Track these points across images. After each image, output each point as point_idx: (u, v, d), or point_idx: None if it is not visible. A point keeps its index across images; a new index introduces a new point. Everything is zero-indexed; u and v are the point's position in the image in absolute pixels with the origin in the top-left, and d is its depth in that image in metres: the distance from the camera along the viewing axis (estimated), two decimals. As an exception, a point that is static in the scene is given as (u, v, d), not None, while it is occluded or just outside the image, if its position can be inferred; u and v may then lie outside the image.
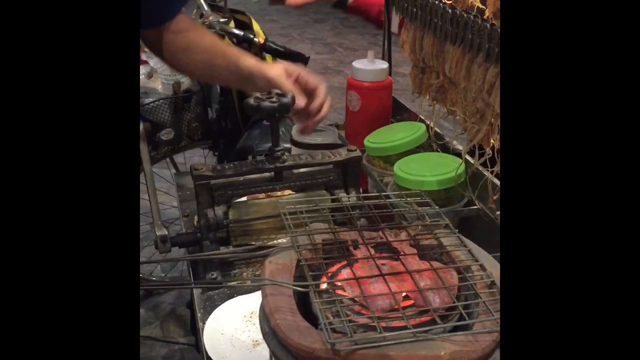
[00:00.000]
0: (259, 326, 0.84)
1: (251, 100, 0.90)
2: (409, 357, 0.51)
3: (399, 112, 1.26)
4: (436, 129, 1.06)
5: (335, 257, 0.64)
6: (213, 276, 0.92)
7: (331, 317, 0.56)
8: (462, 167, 0.93)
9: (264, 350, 0.80)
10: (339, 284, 0.60)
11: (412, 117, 1.21)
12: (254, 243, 0.97)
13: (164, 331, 2.08)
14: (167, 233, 0.95)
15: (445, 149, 1.04)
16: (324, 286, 0.60)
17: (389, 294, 0.57)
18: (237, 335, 0.83)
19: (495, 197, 0.87)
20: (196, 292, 0.92)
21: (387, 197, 0.72)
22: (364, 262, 0.62)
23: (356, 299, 0.58)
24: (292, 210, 0.70)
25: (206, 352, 0.79)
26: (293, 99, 0.91)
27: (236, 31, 1.64)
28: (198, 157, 2.55)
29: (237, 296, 0.90)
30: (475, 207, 0.93)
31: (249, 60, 0.97)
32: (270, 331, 0.58)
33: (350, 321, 0.54)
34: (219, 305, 0.89)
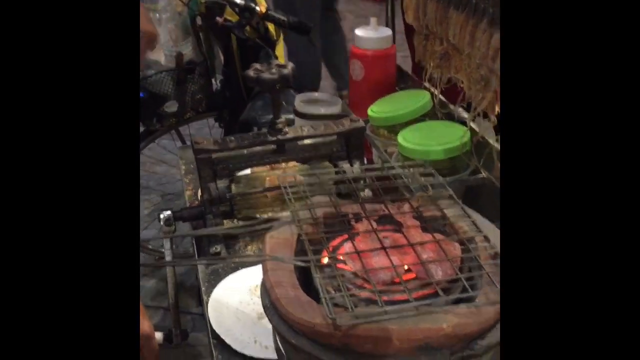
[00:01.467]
0: (263, 299, 0.85)
1: (251, 72, 0.89)
2: (411, 331, 0.50)
3: (403, 81, 1.23)
4: (441, 97, 1.04)
5: (336, 230, 0.63)
6: (217, 250, 0.92)
7: (332, 292, 0.55)
8: (468, 135, 0.91)
9: (268, 323, 0.80)
10: (340, 258, 0.59)
11: (417, 85, 1.19)
12: (258, 216, 0.97)
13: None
14: (170, 214, 0.94)
15: (450, 117, 1.02)
16: (325, 260, 0.59)
17: (390, 267, 0.56)
18: (241, 308, 0.83)
19: (500, 165, 0.85)
20: (200, 266, 0.92)
21: (390, 168, 0.71)
22: (366, 235, 0.61)
23: (357, 272, 0.57)
24: (293, 183, 0.69)
25: (211, 325, 0.79)
26: (293, 69, 0.89)
27: (237, 0, 1.61)
28: (204, 129, 2.55)
29: (241, 269, 0.90)
30: (481, 175, 0.92)
31: None
32: (271, 306, 0.58)
33: (351, 295, 0.53)
34: (224, 278, 0.88)
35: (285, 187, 0.68)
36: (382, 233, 0.61)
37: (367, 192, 0.86)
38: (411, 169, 0.71)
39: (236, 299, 0.85)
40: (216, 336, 0.78)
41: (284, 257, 0.59)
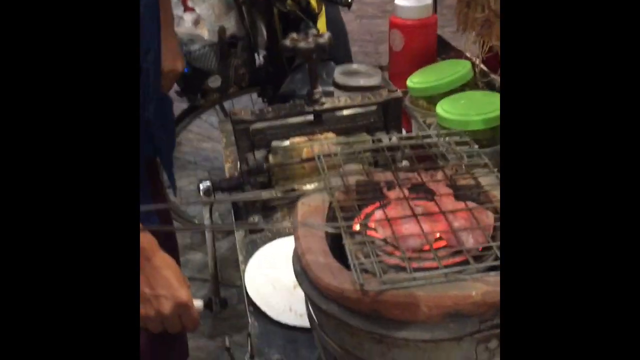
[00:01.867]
0: (299, 268, 0.86)
1: (287, 42, 0.88)
2: (439, 298, 0.50)
3: (444, 51, 1.21)
4: (482, 66, 1.02)
5: (368, 198, 0.63)
6: (254, 220, 0.93)
7: (362, 258, 0.55)
8: (508, 105, 0.89)
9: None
10: (371, 225, 0.59)
11: (459, 55, 1.17)
12: (295, 187, 0.97)
13: (221, 274, 2.15)
14: (210, 184, 0.95)
15: (491, 86, 0.99)
16: (356, 227, 0.59)
17: (420, 234, 0.56)
18: (278, 276, 0.84)
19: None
20: (238, 236, 0.93)
21: (427, 136, 0.70)
22: (398, 203, 0.61)
23: (387, 239, 0.57)
24: (327, 152, 0.69)
25: (247, 293, 0.81)
26: (330, 39, 0.89)
27: (278, -28, 1.60)
28: (248, 105, 2.57)
29: (278, 239, 0.91)
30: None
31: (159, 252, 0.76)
32: (302, 272, 0.58)
33: (380, 262, 0.53)
34: (260, 248, 0.90)
35: (319, 157, 0.68)
36: (414, 201, 0.61)
37: (405, 163, 0.85)
38: (447, 138, 0.70)
39: (273, 267, 0.86)
40: (252, 303, 0.79)
41: (315, 223, 0.60)
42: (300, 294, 0.81)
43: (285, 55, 1.02)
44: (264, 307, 0.79)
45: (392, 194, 0.62)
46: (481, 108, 0.91)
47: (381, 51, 3.73)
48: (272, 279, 0.84)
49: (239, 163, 1.11)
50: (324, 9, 1.73)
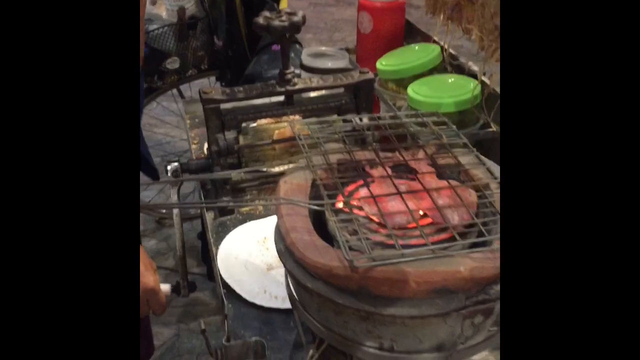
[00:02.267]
0: (272, 250, 0.85)
1: (260, 20, 0.87)
2: (428, 273, 0.50)
3: (410, 35, 1.21)
4: (450, 50, 1.03)
5: (351, 176, 0.63)
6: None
7: (348, 236, 0.55)
8: (479, 88, 0.90)
9: (278, 274, 0.81)
10: (356, 202, 0.59)
11: (425, 39, 1.17)
12: (264, 169, 0.96)
13: (176, 261, 2.11)
14: (178, 165, 0.93)
15: (460, 70, 1.00)
16: (339, 205, 0.59)
17: (406, 211, 0.56)
18: (251, 259, 0.83)
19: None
20: (209, 217, 0.91)
21: (409, 116, 0.70)
22: (381, 181, 0.61)
23: (373, 216, 0.57)
24: (306, 130, 0.68)
25: (221, 276, 0.79)
26: (304, 17, 0.88)
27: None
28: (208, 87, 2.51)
29: (249, 222, 0.90)
30: (491, 129, 0.91)
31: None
32: (286, 250, 0.57)
33: (367, 239, 0.53)
34: (232, 230, 0.88)
35: (298, 135, 0.67)
36: (397, 179, 0.61)
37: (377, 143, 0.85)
38: (424, 118, 0.70)
39: (245, 250, 0.85)
40: (226, 286, 0.78)
41: (299, 200, 0.59)
42: (274, 276, 0.81)
43: (259, 33, 1.00)
44: (238, 290, 0.78)
45: (375, 172, 0.62)
46: (452, 91, 0.91)
47: (335, 39, 3.72)
48: (244, 261, 0.83)
49: (206, 144, 1.09)
50: (286, -8, 1.71)
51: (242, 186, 0.96)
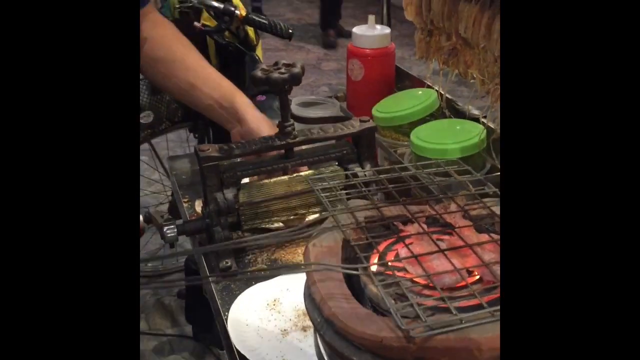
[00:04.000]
0: (285, 314, 0.79)
1: (259, 72, 0.83)
2: (494, 339, 0.46)
3: (399, 80, 1.20)
4: (447, 95, 1.01)
5: (384, 234, 0.59)
6: (227, 264, 0.86)
7: (393, 301, 0.51)
8: (484, 132, 0.88)
9: (294, 340, 0.75)
10: (397, 264, 0.54)
11: (415, 84, 1.16)
12: (267, 226, 0.91)
13: (149, 323, 2.01)
14: (175, 230, 0.87)
15: (460, 114, 0.99)
16: (378, 268, 0.55)
17: (452, 270, 0.52)
18: (263, 325, 0.77)
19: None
20: (213, 283, 0.86)
21: (428, 166, 0.67)
22: (418, 238, 0.57)
23: (417, 278, 0.53)
24: (326, 186, 0.64)
25: (234, 345, 0.73)
26: (303, 68, 0.85)
27: (215, 4, 1.55)
28: (178, 141, 2.46)
29: (255, 283, 0.85)
30: (498, 174, 0.89)
31: (247, 107, 0.94)
32: (325, 321, 0.52)
33: (419, 304, 0.49)
34: (238, 294, 0.83)
35: (318, 190, 0.63)
36: (433, 235, 0.57)
37: (381, 196, 0.82)
38: (446, 168, 0.67)
39: (255, 315, 0.79)
40: (242, 356, 0.72)
41: (334, 265, 0.54)
42: (290, 341, 0.75)
43: (257, 86, 0.97)
44: (254, 359, 0.72)
45: (410, 229, 0.58)
46: (457, 136, 0.89)
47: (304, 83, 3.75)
48: (256, 328, 0.77)
49: (198, 203, 1.04)
50: (260, 41, 1.70)
51: (243, 245, 0.90)
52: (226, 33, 1.58)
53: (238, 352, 0.73)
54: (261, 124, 0.94)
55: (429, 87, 1.07)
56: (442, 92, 1.01)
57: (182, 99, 0.99)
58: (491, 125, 0.90)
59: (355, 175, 0.87)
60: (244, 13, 1.53)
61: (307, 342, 0.74)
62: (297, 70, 0.83)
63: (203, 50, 1.65)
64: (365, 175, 0.85)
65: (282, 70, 0.84)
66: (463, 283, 0.51)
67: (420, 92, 1.04)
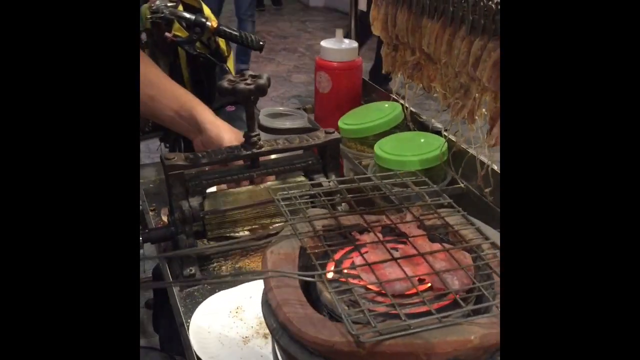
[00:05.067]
0: (247, 321, 0.80)
1: (225, 83, 0.85)
2: (440, 344, 0.48)
3: (366, 93, 1.22)
4: (411, 108, 1.03)
5: (339, 243, 0.60)
6: (192, 272, 0.87)
7: (346, 308, 0.52)
8: (445, 145, 0.91)
9: (256, 346, 0.76)
10: (352, 271, 0.56)
11: (381, 97, 1.18)
12: (231, 235, 0.92)
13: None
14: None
15: (424, 127, 1.01)
16: (334, 275, 0.56)
17: (404, 278, 0.54)
18: (224, 332, 0.78)
19: (482, 174, 0.85)
20: (175, 289, 0.86)
21: (386, 177, 0.68)
22: (373, 246, 0.58)
23: (370, 285, 0.54)
24: (287, 195, 0.65)
25: (195, 352, 0.74)
26: (269, 79, 0.86)
27: (187, 15, 1.56)
28: (147, 152, 2.46)
29: (218, 291, 0.85)
30: (459, 185, 0.91)
31: (206, 115, 0.96)
32: (280, 326, 0.53)
33: (370, 310, 0.50)
34: (201, 302, 0.83)
35: (278, 200, 0.64)
36: (388, 244, 0.59)
37: (345, 206, 0.84)
38: (404, 179, 0.69)
39: (217, 323, 0.80)
40: (202, 363, 0.73)
41: (290, 272, 0.56)
42: (253, 348, 0.76)
43: (222, 96, 0.98)
44: (214, 367, 0.72)
45: (365, 238, 0.60)
46: (419, 148, 0.91)
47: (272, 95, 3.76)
48: (218, 335, 0.78)
49: (164, 211, 1.04)
50: (232, 53, 1.71)
51: (208, 253, 0.91)
52: (197, 44, 1.59)
53: (199, 359, 0.74)
54: (221, 131, 0.95)
55: (394, 100, 1.09)
56: (407, 106, 1.03)
57: (145, 112, 1.00)
58: (452, 138, 0.93)
59: (319, 186, 0.89)
60: (215, 24, 1.54)
61: (267, 349, 0.75)
62: (262, 81, 0.85)
63: (174, 60, 1.66)
64: (329, 185, 0.86)
65: (249, 81, 0.85)
66: (414, 290, 0.53)
67: (386, 105, 1.06)
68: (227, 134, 0.94)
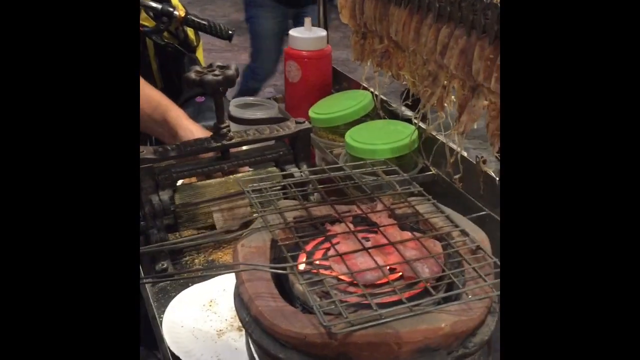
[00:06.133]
0: (221, 314, 0.80)
1: (192, 74, 0.84)
2: (410, 333, 0.48)
3: (337, 82, 1.22)
4: (381, 96, 1.03)
5: (310, 234, 0.60)
6: (164, 266, 0.86)
7: (318, 299, 0.52)
8: (416, 133, 0.91)
9: (230, 339, 0.76)
10: (323, 262, 0.56)
11: (352, 85, 1.18)
12: (202, 227, 0.92)
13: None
14: None
15: (394, 116, 1.01)
16: (305, 266, 0.56)
17: (376, 267, 0.54)
18: (198, 326, 0.78)
19: (452, 161, 0.85)
20: (147, 284, 0.85)
21: (357, 167, 0.68)
22: (344, 237, 0.58)
23: (342, 276, 0.54)
24: (257, 187, 0.65)
25: (169, 347, 0.73)
26: (237, 70, 0.85)
27: (153, 4, 1.53)
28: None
29: (191, 285, 0.85)
30: (430, 172, 0.92)
31: (180, 120, 0.97)
32: (252, 320, 0.53)
33: (341, 301, 0.50)
34: (174, 296, 0.83)
35: (248, 192, 0.64)
36: (359, 234, 0.59)
37: (317, 196, 0.84)
38: (375, 168, 0.69)
39: (190, 317, 0.79)
40: (176, 358, 0.72)
41: (261, 265, 0.55)
42: (226, 341, 0.76)
43: (189, 87, 0.97)
44: (188, 361, 0.72)
45: (336, 228, 0.60)
46: (389, 137, 0.92)
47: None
48: (191, 329, 0.78)
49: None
50: (201, 43, 1.69)
51: (179, 247, 0.91)
52: (165, 34, 1.56)
53: (172, 354, 0.73)
54: (195, 135, 0.95)
55: (364, 88, 1.09)
56: (377, 94, 1.03)
57: None
58: (422, 125, 0.93)
59: (290, 176, 0.89)
60: (183, 14, 1.52)
61: (242, 342, 0.75)
62: (231, 72, 0.84)
63: (142, 51, 1.63)
64: (301, 175, 0.86)
65: (217, 72, 0.84)
66: (385, 280, 0.53)
67: (356, 94, 1.06)
68: (199, 135, 0.94)
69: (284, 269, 0.56)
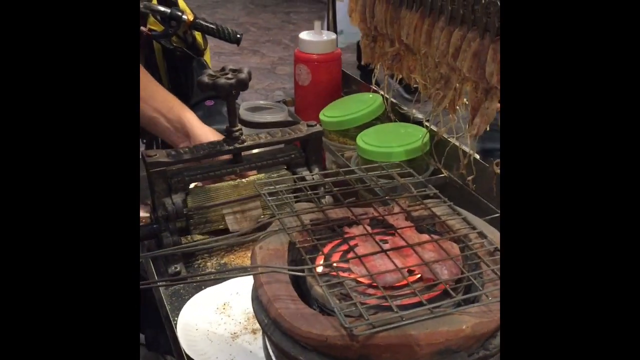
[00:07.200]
0: (234, 317, 0.80)
1: (205, 78, 0.84)
2: (431, 334, 0.48)
3: (346, 85, 1.22)
4: (392, 99, 1.04)
5: (329, 236, 0.60)
6: (177, 269, 0.86)
7: (337, 301, 0.52)
8: (427, 135, 0.91)
9: (245, 342, 0.76)
10: (342, 265, 0.56)
11: (361, 88, 1.18)
12: (215, 230, 0.92)
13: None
14: None
15: (405, 119, 1.01)
16: (324, 269, 0.56)
17: (395, 269, 0.54)
18: (212, 329, 0.78)
19: (465, 163, 0.85)
20: (161, 287, 0.85)
21: (372, 169, 0.69)
22: (362, 239, 0.59)
23: (361, 278, 0.54)
24: (273, 190, 0.65)
25: (184, 350, 0.74)
26: (249, 73, 0.86)
27: (162, 8, 1.54)
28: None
29: (204, 288, 0.85)
30: (442, 175, 0.92)
31: (194, 121, 0.96)
32: (272, 322, 0.53)
33: (362, 303, 0.50)
34: (187, 299, 0.83)
35: (265, 195, 0.64)
36: (377, 236, 0.59)
37: (329, 199, 0.84)
38: (389, 170, 0.70)
39: (205, 319, 0.79)
40: (191, 361, 0.73)
41: (280, 267, 0.55)
42: (241, 344, 0.76)
43: (202, 91, 0.98)
44: (203, 364, 0.72)
45: (355, 231, 0.60)
46: (401, 139, 0.92)
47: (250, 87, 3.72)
48: (206, 332, 0.78)
49: (146, 208, 1.03)
50: (209, 46, 1.69)
51: (193, 250, 0.91)
52: (173, 38, 1.56)
53: (188, 356, 0.73)
54: (209, 138, 0.93)
55: (374, 91, 1.09)
56: (387, 97, 1.03)
57: None
58: (434, 128, 0.93)
59: (302, 179, 0.89)
60: (191, 18, 1.52)
61: (256, 345, 0.75)
62: (243, 75, 0.84)
63: (150, 55, 1.64)
64: (313, 178, 0.86)
65: (229, 75, 0.84)
66: (404, 282, 0.53)
67: (366, 97, 1.06)
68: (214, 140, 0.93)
69: (302, 271, 0.56)
